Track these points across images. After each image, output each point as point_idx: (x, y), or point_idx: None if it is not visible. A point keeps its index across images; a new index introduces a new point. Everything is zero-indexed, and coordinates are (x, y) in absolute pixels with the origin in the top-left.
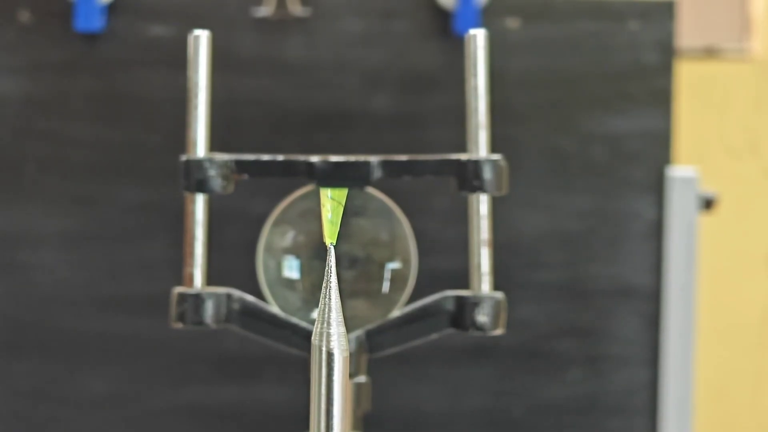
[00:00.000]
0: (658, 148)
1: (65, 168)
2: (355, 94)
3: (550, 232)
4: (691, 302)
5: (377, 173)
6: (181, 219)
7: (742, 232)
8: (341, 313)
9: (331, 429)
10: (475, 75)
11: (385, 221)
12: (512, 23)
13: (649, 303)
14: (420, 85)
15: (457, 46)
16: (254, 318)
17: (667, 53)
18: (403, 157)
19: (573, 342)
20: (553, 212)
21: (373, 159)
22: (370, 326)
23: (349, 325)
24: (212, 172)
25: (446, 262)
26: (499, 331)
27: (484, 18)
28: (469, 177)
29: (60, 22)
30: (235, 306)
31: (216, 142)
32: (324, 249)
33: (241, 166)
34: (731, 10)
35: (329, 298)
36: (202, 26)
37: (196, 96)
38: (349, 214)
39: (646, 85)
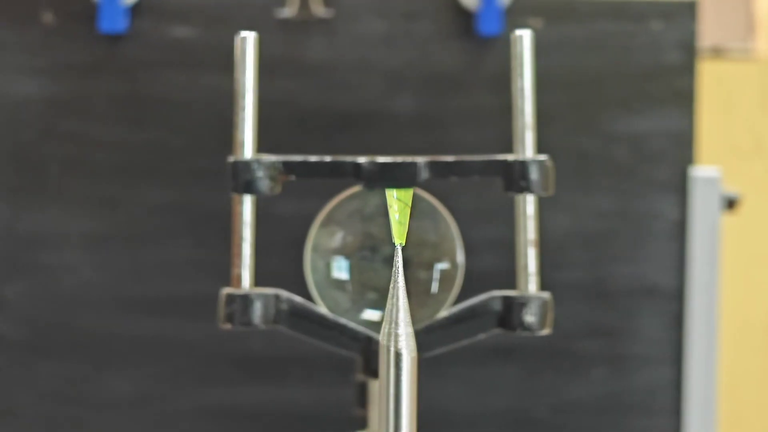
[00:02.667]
0: (681, 148)
1: (89, 169)
2: (378, 94)
3: (573, 232)
4: (714, 302)
5: (424, 174)
6: (205, 220)
7: (748, 231)
8: (409, 314)
9: (400, 430)
10: (522, 76)
11: (433, 222)
12: (534, 24)
13: (672, 302)
14: (442, 85)
15: (479, 47)
16: (303, 319)
17: (689, 53)
18: (450, 158)
19: (597, 342)
20: (576, 212)
21: (420, 160)
22: (418, 326)
23: None
24: (260, 174)
25: (471, 263)
26: (546, 331)
27: (507, 18)
28: (515, 178)
29: (83, 23)
30: (284, 307)
31: None
32: (371, 249)
33: (288, 167)
34: (736, 10)
35: (397, 299)
36: (225, 27)
37: (244, 97)
38: None
39: (668, 85)
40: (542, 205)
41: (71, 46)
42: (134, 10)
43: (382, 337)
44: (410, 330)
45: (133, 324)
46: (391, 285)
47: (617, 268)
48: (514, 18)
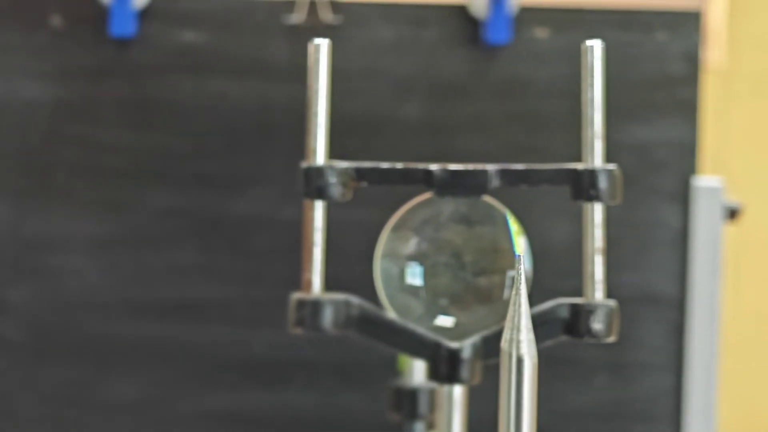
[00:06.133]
0: (684, 158)
1: (95, 173)
2: (385, 101)
3: (577, 240)
4: (715, 310)
5: (495, 182)
6: (211, 224)
7: None
8: (530, 319)
9: None
10: (592, 85)
11: (504, 229)
12: (541, 33)
13: (673, 311)
14: (450, 93)
15: (487, 55)
16: (373, 324)
17: (693, 63)
18: (520, 166)
19: (599, 349)
20: (580, 221)
21: (491, 167)
22: (486, 332)
23: (465, 331)
24: (332, 180)
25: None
26: (612, 339)
27: (514, 27)
28: (584, 186)
29: (91, 27)
30: (354, 312)
31: (247, 148)
32: (446, 256)
33: (360, 173)
34: None
35: (519, 305)
36: (234, 33)
37: (316, 104)
38: (472, 222)
39: (672, 95)
40: (547, 214)
41: (79, 50)
42: (143, 15)
43: (503, 343)
44: (532, 336)
45: (138, 328)
46: (513, 291)
47: (619, 277)
48: (520, 27)
